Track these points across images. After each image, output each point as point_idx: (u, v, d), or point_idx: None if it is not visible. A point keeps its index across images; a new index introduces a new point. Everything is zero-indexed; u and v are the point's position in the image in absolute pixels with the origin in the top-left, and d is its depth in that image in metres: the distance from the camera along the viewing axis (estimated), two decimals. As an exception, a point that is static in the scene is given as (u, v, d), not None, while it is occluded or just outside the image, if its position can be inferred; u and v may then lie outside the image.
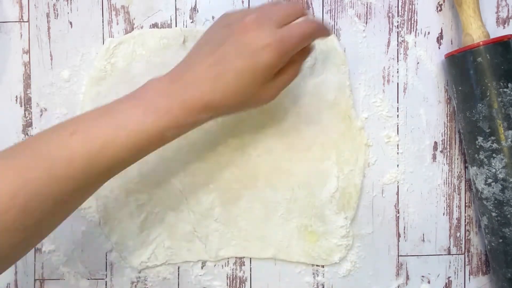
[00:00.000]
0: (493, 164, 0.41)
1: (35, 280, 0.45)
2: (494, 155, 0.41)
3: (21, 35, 0.45)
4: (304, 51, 0.37)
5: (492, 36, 0.42)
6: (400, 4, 0.45)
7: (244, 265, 0.45)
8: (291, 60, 0.36)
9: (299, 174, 0.44)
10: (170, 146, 0.43)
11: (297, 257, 0.45)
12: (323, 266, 0.45)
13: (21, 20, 0.45)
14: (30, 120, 0.45)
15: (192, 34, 0.44)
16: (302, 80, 0.44)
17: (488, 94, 0.40)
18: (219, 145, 0.44)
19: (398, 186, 0.45)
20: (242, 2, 0.45)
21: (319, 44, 0.44)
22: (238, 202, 0.44)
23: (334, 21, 0.45)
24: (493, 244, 0.43)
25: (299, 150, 0.44)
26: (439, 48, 0.46)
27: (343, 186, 0.44)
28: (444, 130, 0.46)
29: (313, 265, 0.45)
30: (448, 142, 0.46)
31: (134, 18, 0.45)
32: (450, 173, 0.46)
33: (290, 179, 0.44)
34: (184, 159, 0.44)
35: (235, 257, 0.45)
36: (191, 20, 0.45)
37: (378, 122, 0.45)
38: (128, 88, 0.43)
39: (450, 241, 0.46)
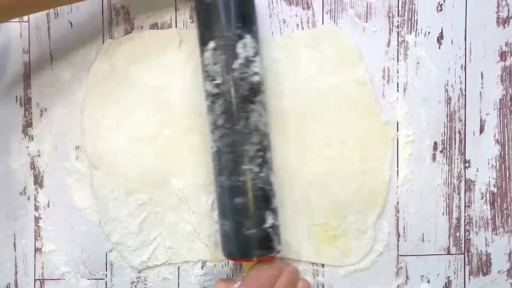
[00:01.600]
0: (215, 110, 0.39)
1: (35, 280, 0.45)
2: (216, 100, 0.39)
3: (21, 35, 0.45)
4: None
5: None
6: (400, 4, 0.45)
7: (244, 265, 0.45)
8: None
9: (312, 173, 0.44)
10: (170, 146, 0.44)
11: (309, 257, 0.44)
12: (323, 266, 0.45)
13: (21, 20, 0.45)
14: (30, 120, 0.45)
15: (188, 36, 0.44)
16: (313, 81, 0.44)
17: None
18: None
19: (398, 186, 0.45)
20: (242, 2, 0.45)
21: (333, 42, 0.44)
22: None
23: (334, 21, 0.45)
24: (216, 194, 0.41)
25: (312, 149, 0.44)
26: (439, 48, 0.46)
27: (370, 183, 0.44)
28: (444, 130, 0.46)
29: (313, 264, 0.45)
30: (448, 142, 0.46)
31: (134, 18, 0.45)
32: (449, 173, 0.46)
33: (300, 179, 0.44)
34: (184, 159, 0.44)
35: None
36: (191, 20, 0.45)
37: (378, 122, 0.45)
38: (128, 89, 0.44)
39: (449, 241, 0.46)
